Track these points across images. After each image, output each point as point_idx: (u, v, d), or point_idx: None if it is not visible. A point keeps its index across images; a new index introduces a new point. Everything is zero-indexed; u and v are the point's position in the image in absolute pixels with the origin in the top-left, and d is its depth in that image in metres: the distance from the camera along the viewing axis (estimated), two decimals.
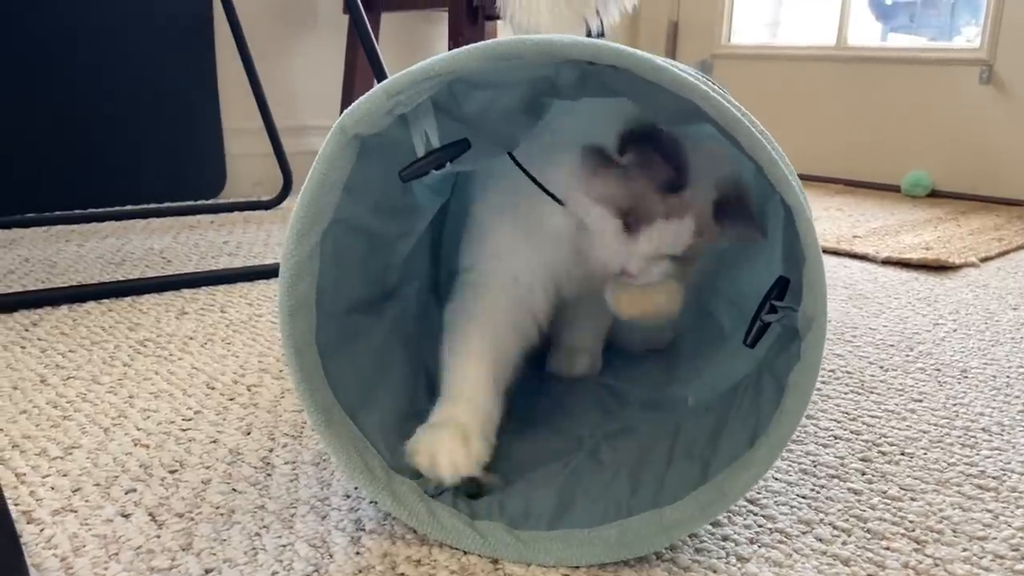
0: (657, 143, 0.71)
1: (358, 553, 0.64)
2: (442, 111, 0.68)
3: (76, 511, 0.68)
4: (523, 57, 0.60)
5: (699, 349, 0.89)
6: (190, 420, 0.86)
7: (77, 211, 1.83)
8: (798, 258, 0.61)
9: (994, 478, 0.80)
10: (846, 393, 1.00)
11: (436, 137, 0.67)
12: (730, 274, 0.88)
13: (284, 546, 0.64)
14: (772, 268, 0.71)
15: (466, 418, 0.69)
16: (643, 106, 0.74)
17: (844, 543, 0.68)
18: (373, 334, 0.77)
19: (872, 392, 1.00)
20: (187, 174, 2.06)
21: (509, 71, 0.67)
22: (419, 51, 2.56)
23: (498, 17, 1.97)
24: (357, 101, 0.63)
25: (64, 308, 1.21)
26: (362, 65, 2.18)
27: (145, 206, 1.93)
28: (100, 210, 1.86)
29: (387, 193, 0.73)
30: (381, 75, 1.42)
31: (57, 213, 1.81)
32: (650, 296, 0.77)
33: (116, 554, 0.62)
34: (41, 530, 0.65)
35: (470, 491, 0.69)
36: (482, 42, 0.61)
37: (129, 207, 1.91)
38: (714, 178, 0.73)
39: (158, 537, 0.65)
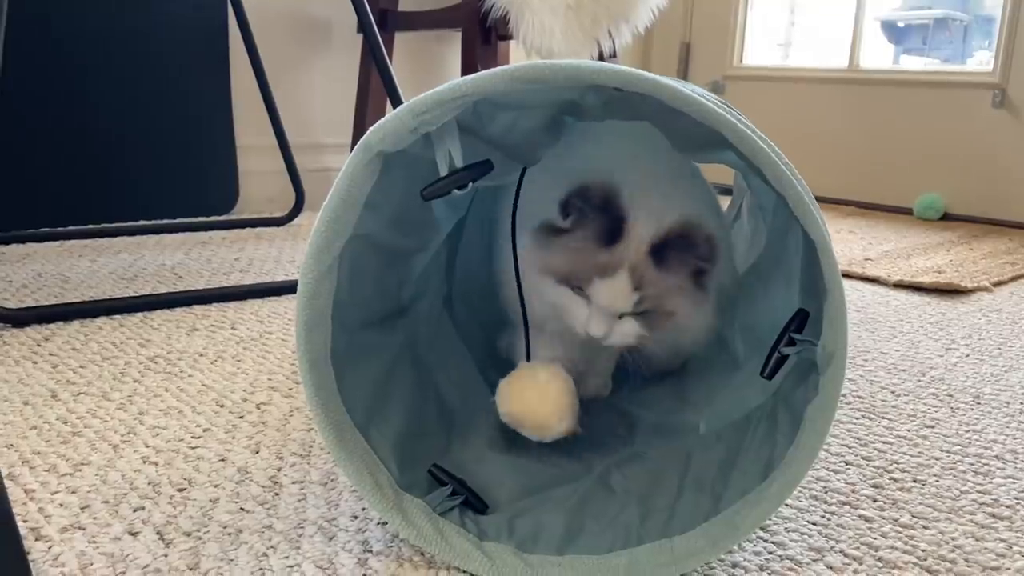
0: (594, 200, 0.74)
1: (365, 575, 0.63)
2: (466, 131, 0.68)
3: (84, 529, 0.68)
4: (551, 81, 0.60)
5: (711, 374, 0.89)
6: (199, 438, 0.86)
7: (90, 226, 1.84)
8: (818, 290, 0.61)
9: (1008, 507, 0.79)
10: (858, 418, 0.99)
11: (459, 157, 0.67)
12: (746, 301, 0.88)
13: (291, 567, 0.64)
14: (790, 297, 0.71)
15: None
16: (666, 131, 0.75)
17: (855, 571, 0.67)
18: (386, 350, 0.78)
19: (884, 417, 1.00)
20: (200, 190, 2.07)
21: (535, 93, 0.67)
22: (432, 71, 2.57)
23: (511, 38, 1.98)
24: (383, 119, 0.63)
25: (76, 323, 1.22)
26: (375, 84, 2.19)
27: (158, 222, 1.95)
28: (113, 225, 1.87)
29: (406, 208, 0.73)
30: (394, 94, 1.43)
31: (70, 228, 1.83)
32: (529, 394, 0.79)
33: (123, 573, 0.62)
34: (49, 547, 0.65)
35: (477, 506, 0.69)
36: (510, 65, 0.61)
37: (142, 222, 1.92)
38: (655, 226, 0.74)
39: (165, 556, 0.64)
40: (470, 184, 0.68)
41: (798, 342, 0.65)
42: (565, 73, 0.59)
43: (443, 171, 0.67)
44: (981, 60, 2.93)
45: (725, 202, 1.17)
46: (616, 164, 0.77)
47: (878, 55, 3.14)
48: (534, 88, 0.63)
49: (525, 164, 0.80)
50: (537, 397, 0.78)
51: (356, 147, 0.64)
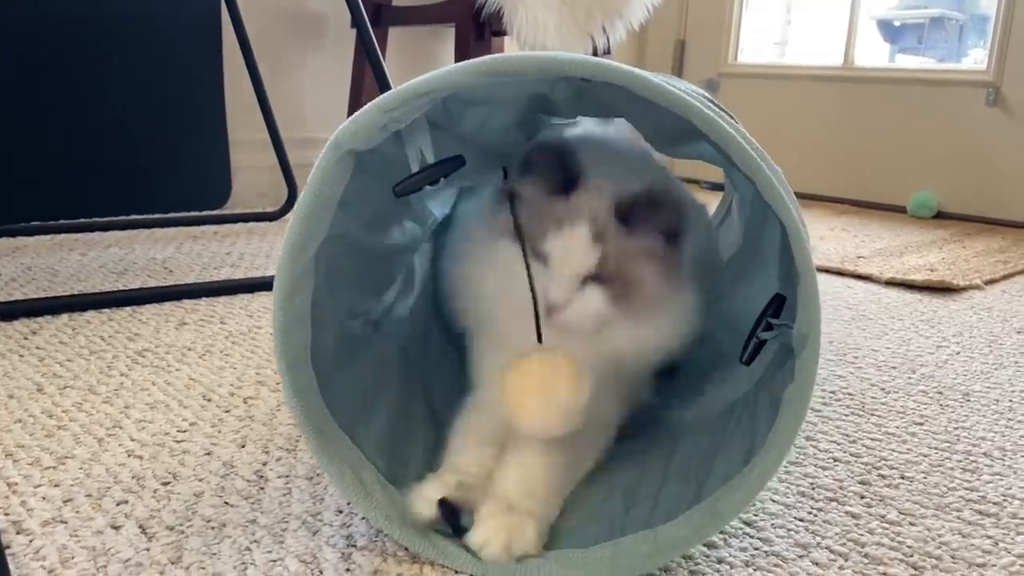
0: (548, 151, 0.71)
1: (348, 570, 0.63)
2: (438, 128, 0.68)
3: (66, 522, 0.67)
4: (517, 74, 0.60)
5: (698, 366, 0.89)
6: (185, 432, 0.86)
7: (81, 220, 1.83)
8: (794, 276, 0.60)
9: (995, 504, 0.79)
10: (846, 415, 0.99)
11: (431, 153, 0.67)
12: (729, 291, 0.87)
13: (274, 561, 0.63)
14: (768, 286, 0.71)
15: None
16: (640, 126, 0.74)
17: (841, 568, 0.67)
18: (372, 349, 0.77)
19: (873, 414, 1.00)
20: (192, 185, 2.06)
21: (503, 88, 0.67)
22: (426, 66, 2.54)
23: (505, 33, 1.98)
24: (351, 117, 0.63)
25: (64, 317, 1.21)
26: (369, 79, 2.18)
27: (149, 216, 1.94)
28: (104, 219, 1.86)
29: (383, 209, 0.73)
30: (386, 89, 1.42)
31: (61, 222, 1.81)
32: (548, 384, 0.67)
33: (105, 567, 0.62)
34: (30, 541, 0.65)
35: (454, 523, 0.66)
36: (476, 59, 0.61)
37: (133, 217, 1.91)
38: (617, 181, 0.71)
39: (147, 550, 0.64)
40: (442, 179, 0.68)
41: (775, 326, 0.64)
42: (534, 64, 0.59)
43: (414, 167, 0.67)
44: (976, 59, 2.93)
45: (717, 199, 1.17)
46: (580, 139, 0.76)
47: (874, 53, 3.14)
48: (502, 82, 0.62)
49: (503, 164, 0.79)
50: (545, 400, 0.68)
51: (327, 145, 0.63)
